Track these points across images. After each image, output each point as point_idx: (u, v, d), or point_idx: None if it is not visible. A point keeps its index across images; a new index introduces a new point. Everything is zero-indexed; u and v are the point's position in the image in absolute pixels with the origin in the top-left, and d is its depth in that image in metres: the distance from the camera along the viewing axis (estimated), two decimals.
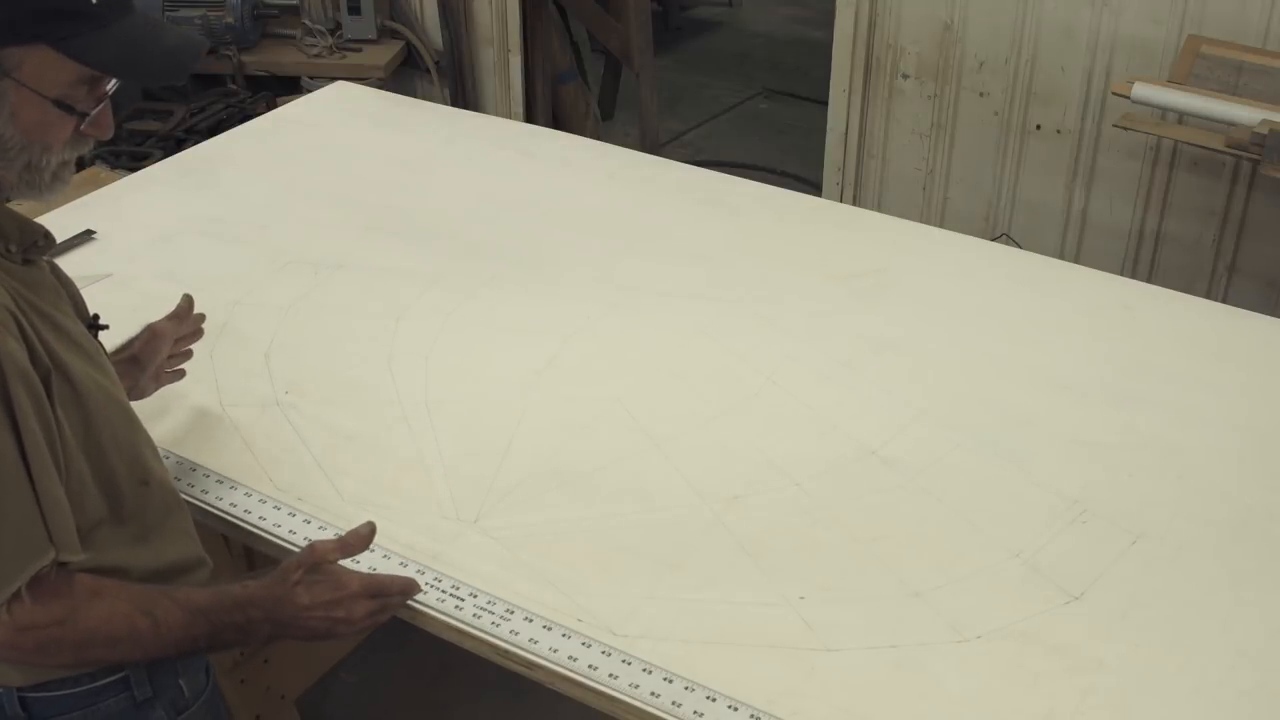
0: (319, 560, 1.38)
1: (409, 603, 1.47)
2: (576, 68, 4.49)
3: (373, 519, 1.56)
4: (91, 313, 1.44)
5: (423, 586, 1.47)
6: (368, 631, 1.44)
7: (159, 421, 1.74)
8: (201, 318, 1.74)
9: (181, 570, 1.41)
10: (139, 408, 1.46)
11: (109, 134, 1.29)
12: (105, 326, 1.46)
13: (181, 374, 1.75)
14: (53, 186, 1.28)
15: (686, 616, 1.44)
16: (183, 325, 1.70)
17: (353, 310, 2.01)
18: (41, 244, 1.33)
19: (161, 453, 1.67)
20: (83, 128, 1.26)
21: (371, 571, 1.48)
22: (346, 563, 1.45)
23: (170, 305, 1.96)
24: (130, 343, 1.65)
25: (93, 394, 1.29)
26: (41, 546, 1.22)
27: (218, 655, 1.52)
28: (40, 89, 1.20)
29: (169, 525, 1.41)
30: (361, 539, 1.42)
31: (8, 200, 1.30)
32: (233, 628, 1.34)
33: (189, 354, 1.75)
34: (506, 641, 1.41)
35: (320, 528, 1.55)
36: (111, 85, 1.27)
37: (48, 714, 1.34)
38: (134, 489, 1.35)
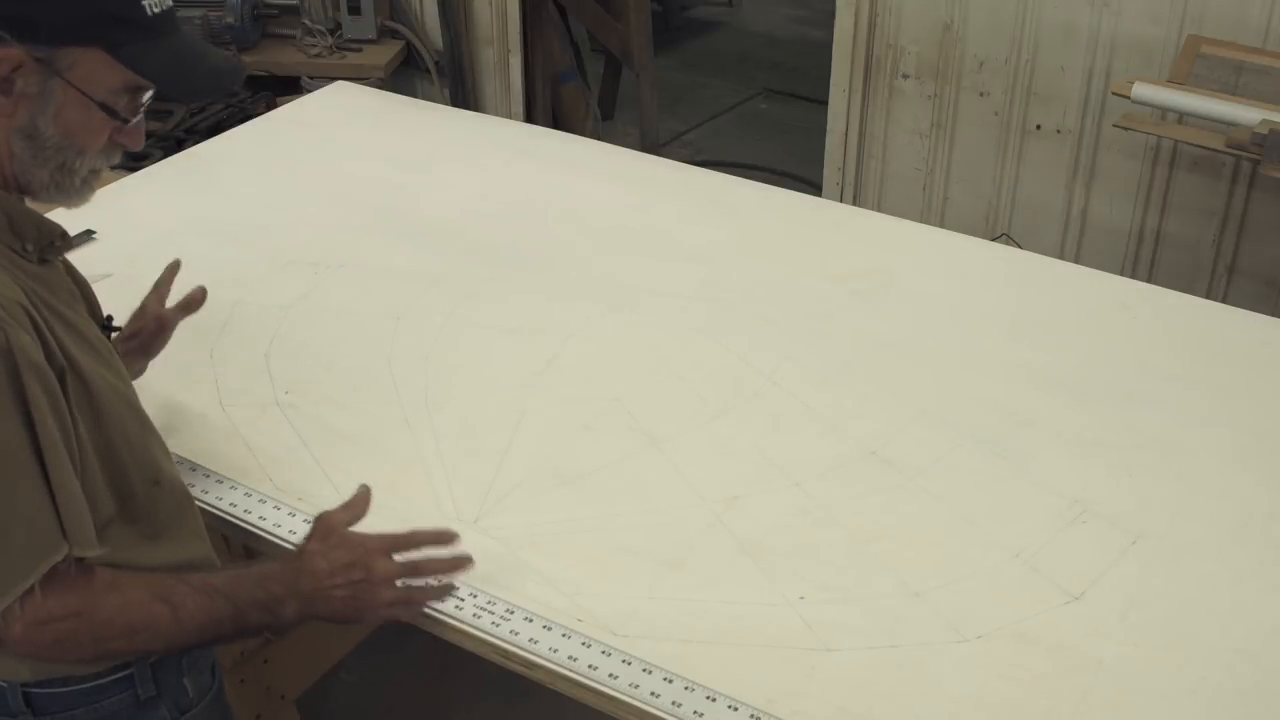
0: (330, 526, 1.39)
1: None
2: (576, 68, 4.49)
3: (373, 519, 1.56)
4: (105, 314, 1.44)
5: (466, 549, 1.43)
6: (405, 606, 1.41)
7: (159, 421, 1.74)
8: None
9: (190, 570, 1.40)
10: (147, 406, 1.46)
11: (139, 146, 1.33)
12: (119, 329, 1.46)
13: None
14: (81, 192, 1.31)
15: (686, 616, 1.44)
16: (185, 304, 1.72)
17: (353, 310, 2.01)
18: (58, 244, 1.34)
19: None
20: (118, 137, 1.29)
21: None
22: None
23: (170, 305, 1.96)
24: (138, 331, 1.67)
25: (105, 394, 1.30)
26: (55, 542, 1.22)
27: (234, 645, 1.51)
28: (88, 90, 1.24)
29: (180, 525, 1.41)
30: (362, 499, 1.44)
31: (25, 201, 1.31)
32: (258, 606, 1.33)
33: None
34: (506, 641, 1.41)
35: None
36: (147, 98, 1.30)
37: (50, 710, 1.34)
38: (145, 489, 1.35)
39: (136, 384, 1.74)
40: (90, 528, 1.25)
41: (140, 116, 1.31)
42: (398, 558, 1.40)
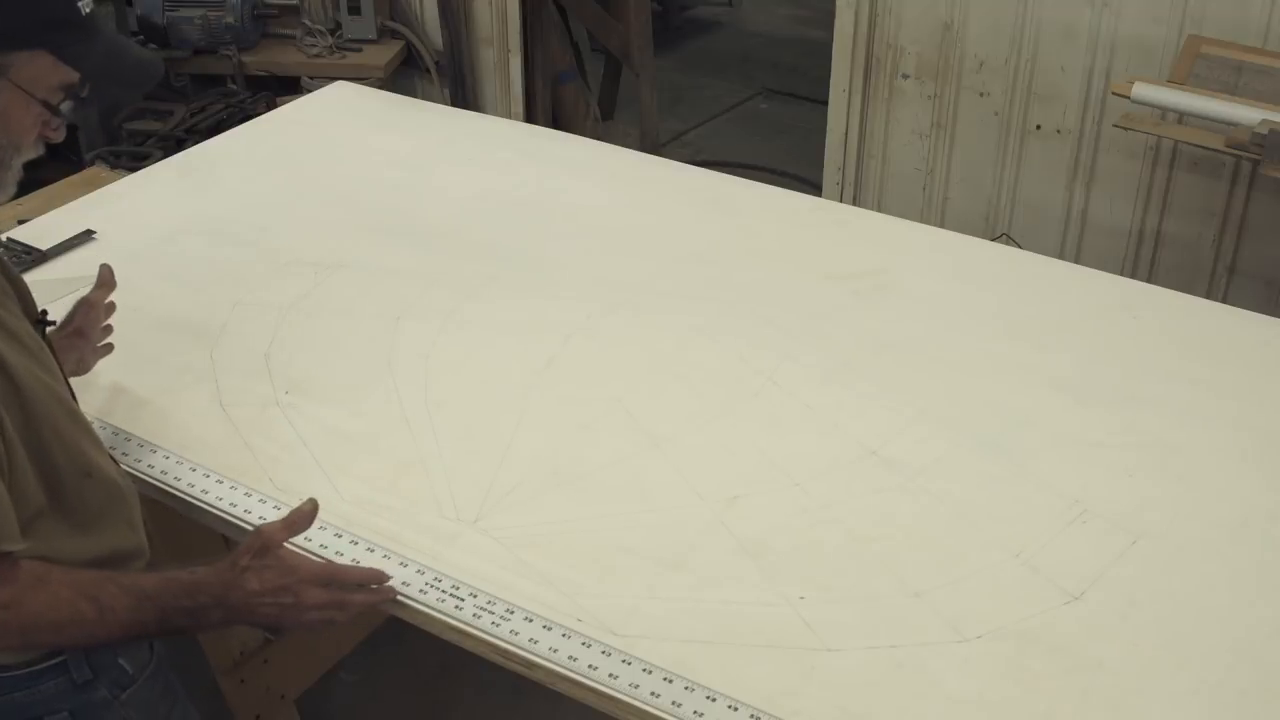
0: (268, 544, 1.39)
1: (408, 602, 1.46)
2: (576, 68, 4.49)
3: (373, 519, 1.57)
4: (40, 309, 1.46)
5: (395, 583, 1.46)
6: (325, 626, 1.43)
7: (158, 421, 1.75)
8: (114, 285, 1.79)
9: (120, 559, 1.42)
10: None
11: (62, 137, 1.39)
12: (53, 323, 1.49)
13: (110, 347, 1.79)
14: (9, 187, 1.37)
15: (686, 616, 1.44)
16: (108, 292, 1.76)
17: (353, 310, 2.01)
18: None
19: (160, 453, 1.68)
20: (45, 130, 1.36)
21: (332, 560, 1.50)
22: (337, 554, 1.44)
23: (170, 305, 1.97)
24: (71, 317, 1.72)
25: (33, 389, 1.32)
26: None
27: (215, 647, 1.51)
28: (33, 90, 1.31)
29: (110, 516, 1.43)
30: (305, 516, 1.44)
31: None
32: (182, 612, 1.35)
33: (110, 329, 1.79)
34: (506, 641, 1.41)
35: (320, 527, 1.55)
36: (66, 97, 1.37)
37: None
38: (76, 481, 1.37)
39: (129, 381, 1.77)
40: (14, 523, 1.27)
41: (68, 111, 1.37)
42: (324, 590, 1.41)
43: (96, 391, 1.78)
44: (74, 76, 1.34)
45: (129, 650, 1.44)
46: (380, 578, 1.46)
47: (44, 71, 1.31)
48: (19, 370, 1.31)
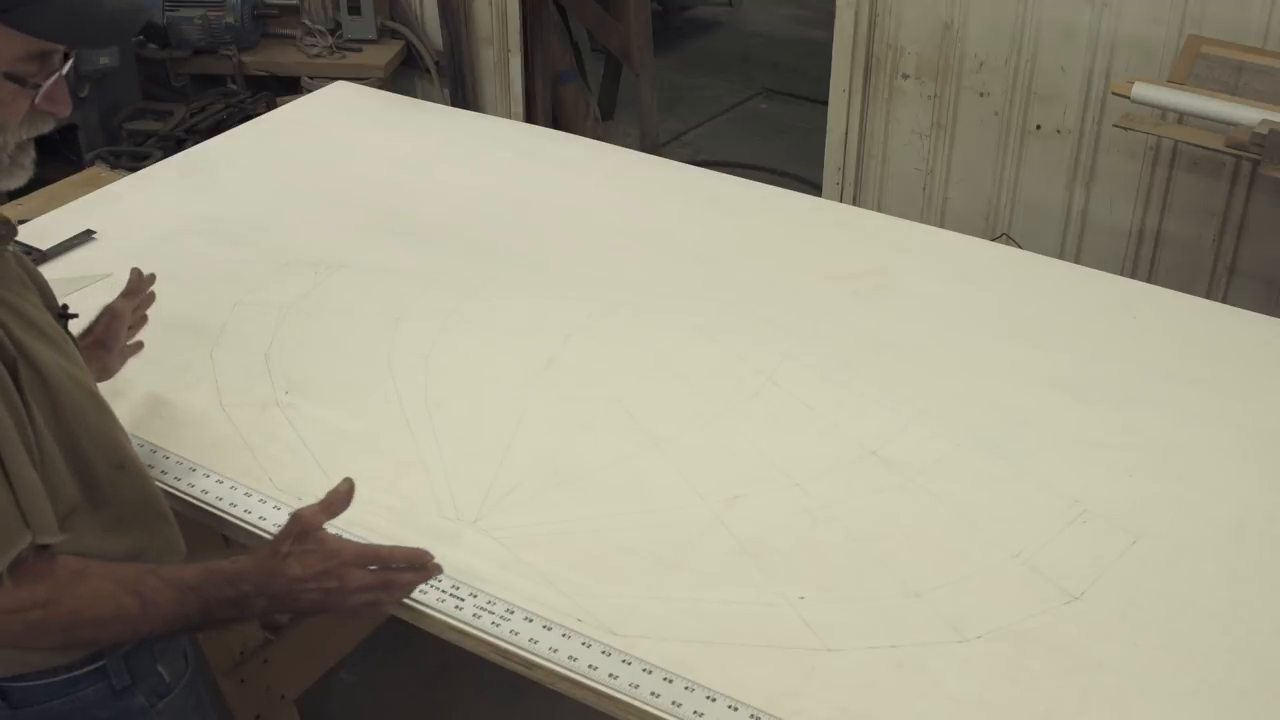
0: (307, 528, 1.36)
1: (408, 602, 1.46)
2: (576, 68, 4.49)
3: (372, 519, 1.56)
4: (60, 303, 1.44)
5: (438, 563, 1.44)
6: (372, 608, 1.41)
7: (157, 421, 1.75)
8: (152, 279, 1.75)
9: (157, 553, 1.41)
10: (113, 390, 1.44)
11: (66, 109, 1.29)
12: (74, 315, 1.47)
13: (140, 345, 1.76)
14: (12, 171, 1.28)
15: (686, 616, 1.44)
16: (137, 299, 1.73)
17: (353, 310, 2.01)
18: (4, 233, 1.33)
19: (160, 453, 1.68)
20: (40, 104, 1.25)
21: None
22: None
23: (170, 305, 1.97)
24: (93, 327, 1.68)
25: (61, 382, 1.30)
26: (17, 531, 1.22)
27: (215, 647, 1.50)
28: None
29: (146, 508, 1.41)
30: (342, 496, 1.40)
31: None
32: (226, 603, 1.32)
33: (144, 320, 1.76)
34: (506, 641, 1.41)
35: None
36: (67, 63, 1.27)
37: (27, 703, 1.35)
38: (109, 474, 1.35)
39: (129, 381, 1.76)
40: (50, 515, 1.25)
41: (56, 78, 1.26)
42: (371, 569, 1.39)
43: None
44: (43, 44, 1.22)
45: (167, 657, 1.42)
46: (424, 557, 1.43)
47: None
48: (44, 360, 1.28)
